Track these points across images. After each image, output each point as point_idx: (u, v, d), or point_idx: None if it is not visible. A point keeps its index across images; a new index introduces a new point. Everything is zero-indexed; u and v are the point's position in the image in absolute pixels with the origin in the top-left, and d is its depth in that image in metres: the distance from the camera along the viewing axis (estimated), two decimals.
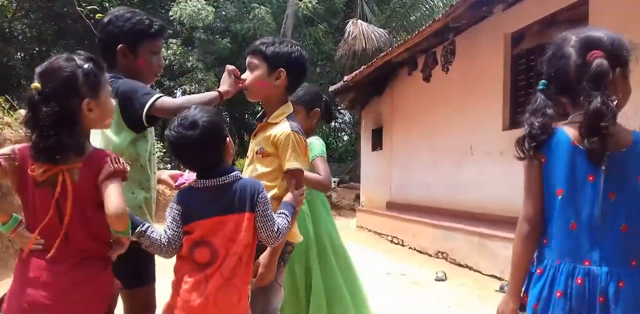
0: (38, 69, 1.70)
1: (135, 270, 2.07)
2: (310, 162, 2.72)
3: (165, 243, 1.81)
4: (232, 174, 1.87)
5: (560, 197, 1.52)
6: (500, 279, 5.54)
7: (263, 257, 2.06)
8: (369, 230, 10.73)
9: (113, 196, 1.66)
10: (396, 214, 9.31)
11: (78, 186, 1.70)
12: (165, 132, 1.88)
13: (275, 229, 1.87)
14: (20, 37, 16.50)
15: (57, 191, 1.68)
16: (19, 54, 16.57)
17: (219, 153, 1.87)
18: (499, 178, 5.77)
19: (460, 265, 6.71)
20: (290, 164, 2.07)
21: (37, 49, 16.92)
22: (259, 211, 1.85)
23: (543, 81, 1.59)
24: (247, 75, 2.21)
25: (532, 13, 5.78)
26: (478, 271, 6.24)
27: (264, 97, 2.27)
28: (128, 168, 1.77)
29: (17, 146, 1.74)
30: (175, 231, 1.81)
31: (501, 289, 5.09)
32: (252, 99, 2.32)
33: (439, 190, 7.83)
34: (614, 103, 1.44)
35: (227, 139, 1.90)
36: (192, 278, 1.78)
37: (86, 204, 1.72)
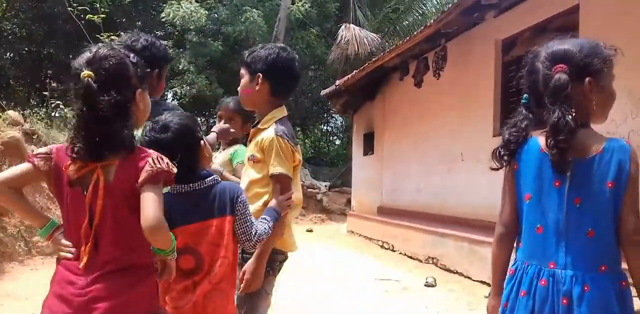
0: (84, 59, 1.56)
1: None
2: (235, 168, 2.94)
3: None
4: (210, 179, 1.87)
5: (527, 201, 1.59)
6: (489, 285, 5.53)
7: (249, 263, 2.04)
8: (360, 235, 10.71)
9: (150, 206, 1.48)
10: (387, 219, 9.31)
11: (113, 186, 1.54)
12: (137, 138, 1.85)
13: (253, 232, 1.88)
14: (9, 37, 16.34)
15: (89, 190, 1.53)
16: (8, 54, 16.41)
17: (193, 157, 1.85)
18: (489, 184, 5.77)
19: (450, 271, 6.71)
20: (274, 169, 2.07)
21: (26, 49, 16.76)
22: (238, 213, 1.86)
23: (525, 95, 1.65)
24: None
25: (524, 20, 5.80)
26: (468, 277, 6.24)
27: (253, 105, 2.29)
28: (175, 170, 1.59)
29: (55, 146, 1.63)
30: None
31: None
32: (246, 108, 2.37)
33: (430, 195, 7.83)
34: (571, 116, 1.47)
35: (202, 142, 1.88)
36: (178, 285, 1.77)
37: (121, 207, 1.55)
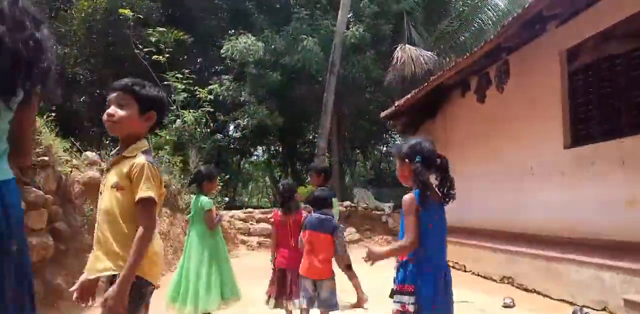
0: None
1: None
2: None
3: None
4: None
5: None
6: (572, 304, 5.26)
7: (110, 289, 2.06)
8: None
9: None
10: (455, 239, 9.05)
11: None
12: None
13: None
14: (82, 82, 17.34)
15: None
16: (82, 98, 17.39)
17: None
18: (562, 198, 5.55)
19: (527, 290, 6.43)
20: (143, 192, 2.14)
21: (98, 91, 17.72)
22: None
23: None
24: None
25: (587, 28, 5.63)
26: (548, 296, 5.95)
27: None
28: None
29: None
30: None
31: None
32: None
33: (500, 212, 7.59)
34: None
35: None
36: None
37: None
